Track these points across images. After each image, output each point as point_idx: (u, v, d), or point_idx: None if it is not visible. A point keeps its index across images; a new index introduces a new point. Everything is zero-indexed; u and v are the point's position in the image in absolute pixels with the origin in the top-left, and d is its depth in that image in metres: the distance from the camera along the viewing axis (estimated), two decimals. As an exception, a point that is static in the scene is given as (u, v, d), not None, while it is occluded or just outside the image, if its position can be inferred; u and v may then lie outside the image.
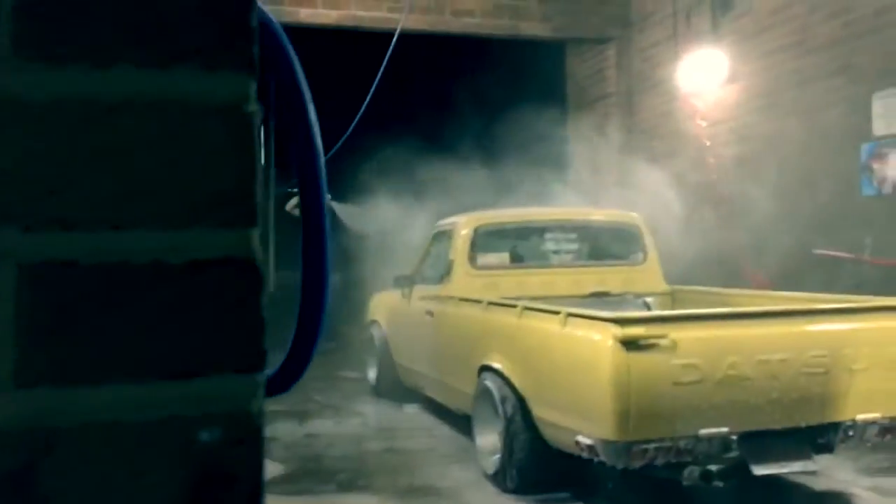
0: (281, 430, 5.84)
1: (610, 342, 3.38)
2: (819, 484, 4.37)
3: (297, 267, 1.08)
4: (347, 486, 4.46)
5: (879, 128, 6.31)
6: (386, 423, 6.21)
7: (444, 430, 5.78)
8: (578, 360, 3.63)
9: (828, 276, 6.37)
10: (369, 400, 6.95)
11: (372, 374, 7.21)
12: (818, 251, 6.66)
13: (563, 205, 7.51)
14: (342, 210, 9.71)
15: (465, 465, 4.79)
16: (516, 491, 4.19)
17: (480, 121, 11.38)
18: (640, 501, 4.23)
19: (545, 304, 4.48)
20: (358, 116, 8.72)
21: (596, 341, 3.47)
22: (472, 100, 12.52)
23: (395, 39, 8.11)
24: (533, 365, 4.11)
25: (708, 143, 8.30)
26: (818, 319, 3.78)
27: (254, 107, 0.63)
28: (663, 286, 5.93)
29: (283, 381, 1.65)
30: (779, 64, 7.44)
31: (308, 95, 1.41)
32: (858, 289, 5.17)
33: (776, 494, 4.25)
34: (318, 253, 1.44)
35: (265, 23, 1.35)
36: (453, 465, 4.87)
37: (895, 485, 4.29)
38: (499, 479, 4.31)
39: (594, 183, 9.34)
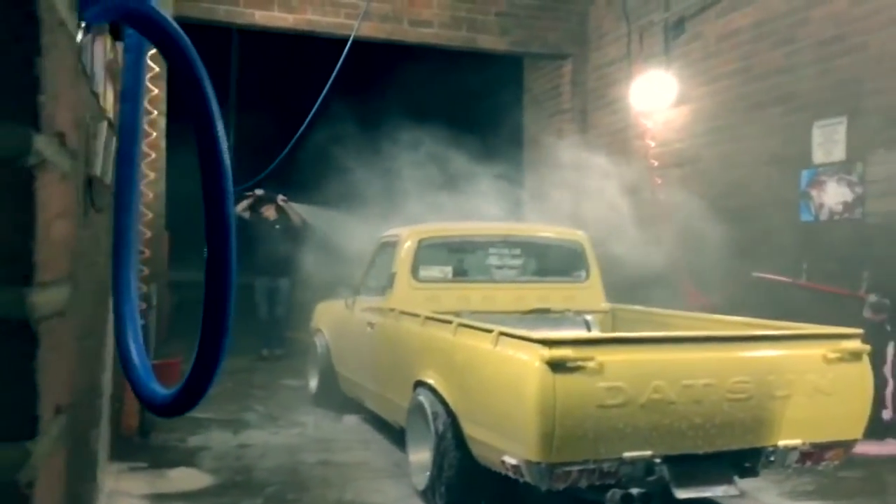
0: (214, 440, 5.74)
1: (537, 363, 3.38)
2: (744, 506, 4.44)
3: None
4: (276, 500, 4.39)
5: (818, 156, 6.47)
6: (323, 435, 6.14)
7: (381, 444, 5.74)
8: (507, 379, 3.63)
9: (766, 298, 6.50)
10: (309, 410, 6.87)
11: (313, 383, 7.14)
12: (757, 274, 6.80)
13: (513, 219, 7.56)
14: (297, 210, 9.59)
15: (398, 480, 4.76)
16: (445, 508, 4.17)
17: (436, 131, 11.37)
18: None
19: (483, 320, 4.48)
20: (307, 120, 8.64)
21: (523, 361, 3.47)
22: (430, 110, 12.51)
23: (348, 46, 8.07)
24: (465, 382, 4.10)
25: (656, 164, 8.43)
26: (743, 346, 3.84)
27: (36, 159, 0.60)
28: (604, 305, 5.98)
29: (183, 402, 1.60)
30: (725, 89, 7.59)
31: (210, 92, 1.37)
32: (793, 313, 5.28)
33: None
34: (221, 258, 1.40)
35: (158, 19, 1.31)
36: (386, 480, 4.83)
37: (816, 509, 4.37)
38: (428, 496, 4.29)
39: (546, 198, 9.43)
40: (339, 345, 6.65)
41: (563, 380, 3.36)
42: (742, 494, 4.59)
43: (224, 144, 1.34)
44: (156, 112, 6.42)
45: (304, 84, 10.38)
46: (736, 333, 4.05)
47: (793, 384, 3.73)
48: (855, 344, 3.90)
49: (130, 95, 1.72)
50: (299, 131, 8.93)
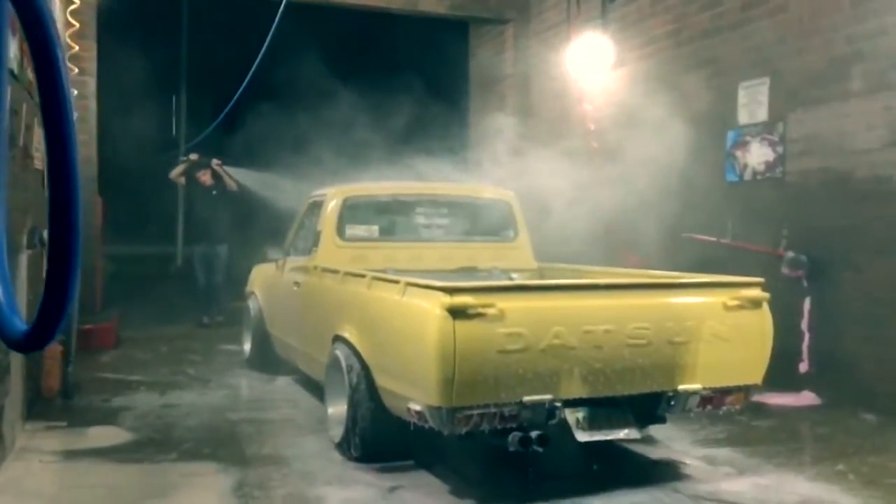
0: (139, 401, 5.70)
1: (437, 310, 3.41)
2: (655, 453, 4.56)
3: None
4: (190, 455, 4.38)
5: (743, 117, 6.58)
6: (252, 395, 6.14)
7: (309, 403, 5.75)
8: (411, 327, 3.66)
9: (696, 258, 6.61)
10: (242, 373, 6.85)
11: (247, 346, 7.11)
12: (685, 235, 6.91)
13: (453, 182, 7.57)
14: (231, 174, 9.43)
15: (320, 435, 4.78)
16: (360, 459, 4.21)
17: (383, 96, 11.30)
18: (483, 472, 4.31)
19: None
20: (244, 83, 8.51)
21: (425, 309, 3.50)
22: (376, 75, 12.41)
23: (281, 8, 7.94)
24: (376, 334, 4.13)
25: (592, 127, 8.49)
26: (643, 293, 3.92)
27: None
28: (532, 263, 6.04)
29: (38, 337, 1.57)
30: (658, 52, 7.65)
31: (56, 40, 1.34)
32: (719, 271, 5.39)
33: (612, 462, 4.41)
34: (67, 200, 1.38)
35: None
36: (308, 436, 4.85)
37: (725, 455, 4.51)
38: (343, 447, 4.32)
39: (489, 163, 9.43)
40: (270, 306, 6.63)
41: (463, 326, 3.40)
42: (654, 442, 4.73)
43: (66, 84, 1.30)
44: (76, 70, 6.24)
45: (254, 50, 10.21)
46: (636, 281, 4.12)
47: (692, 330, 3.82)
48: (755, 292, 4.01)
49: None
50: (235, 97, 8.79)
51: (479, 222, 6.15)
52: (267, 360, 6.71)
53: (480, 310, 3.44)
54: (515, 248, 6.05)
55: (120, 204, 15.51)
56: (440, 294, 3.46)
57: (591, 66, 8.49)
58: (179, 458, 4.32)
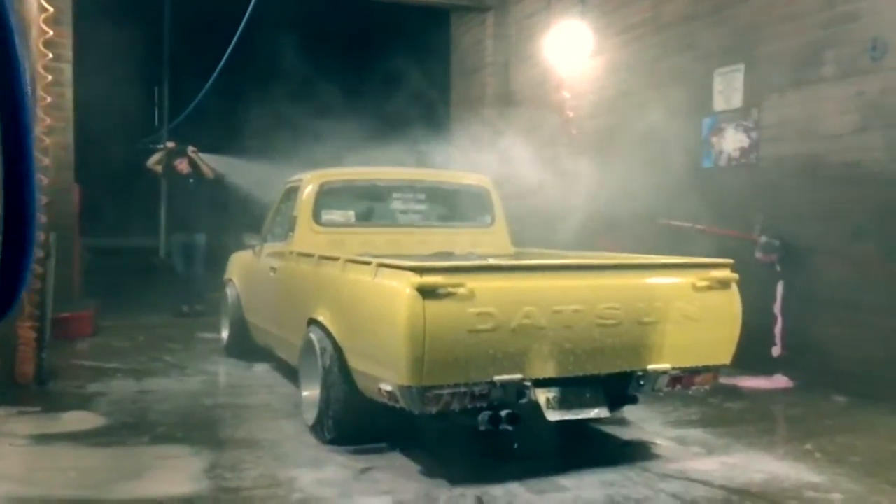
0: (114, 387, 5.68)
1: (408, 290, 3.42)
2: (627, 434, 4.60)
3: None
4: (164, 439, 4.37)
5: (719, 103, 6.63)
6: (229, 381, 6.14)
7: (286, 388, 5.75)
8: (382, 308, 3.67)
9: (672, 243, 6.67)
10: (220, 360, 6.84)
11: (225, 333, 7.10)
12: (661, 220, 6.96)
13: (431, 168, 7.57)
14: (207, 162, 9.37)
15: (295, 419, 4.78)
16: (333, 442, 4.22)
17: (364, 85, 11.28)
18: (455, 454, 4.33)
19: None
20: (219, 67, 8.45)
21: (395, 289, 3.51)
22: (358, 64, 12.36)
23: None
24: (349, 316, 4.13)
25: (571, 115, 8.51)
26: (612, 274, 3.95)
27: None
28: (509, 248, 6.06)
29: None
30: (635, 39, 7.68)
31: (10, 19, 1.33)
32: (695, 256, 5.44)
33: (585, 442, 4.46)
34: (21, 169, 1.38)
35: None
36: (282, 420, 4.86)
37: (696, 436, 4.55)
38: (317, 430, 4.33)
39: (469, 150, 9.44)
40: (247, 293, 6.62)
41: (433, 305, 3.41)
42: (627, 423, 4.78)
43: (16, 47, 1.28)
44: (50, 55, 6.18)
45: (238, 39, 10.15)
46: (606, 262, 4.15)
47: (662, 311, 3.85)
48: (724, 273, 4.05)
49: None
50: (210, 81, 8.74)
51: (457, 208, 6.17)
52: (245, 347, 6.70)
53: (450, 289, 3.45)
54: (492, 233, 6.07)
55: (101, 195, 15.38)
56: (410, 274, 3.47)
57: (571, 54, 8.51)
58: (152, 442, 4.32)
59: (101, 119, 10.36)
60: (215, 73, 8.58)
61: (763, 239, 6.00)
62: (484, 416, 3.58)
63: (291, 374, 5.85)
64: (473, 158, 8.69)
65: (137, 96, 13.78)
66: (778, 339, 5.96)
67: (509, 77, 10.22)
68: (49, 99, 6.21)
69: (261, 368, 6.47)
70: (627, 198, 7.32)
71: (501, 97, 10.28)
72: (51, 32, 6.28)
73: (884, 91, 5.23)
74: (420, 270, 3.46)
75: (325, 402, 4.23)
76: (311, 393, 4.51)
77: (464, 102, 11.11)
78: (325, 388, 4.22)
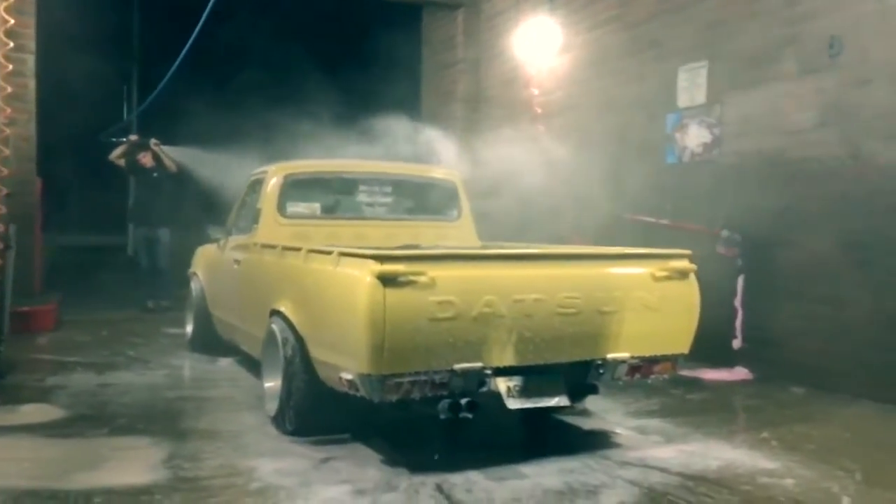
0: (74, 380, 5.61)
1: (368, 278, 3.42)
2: (588, 424, 4.64)
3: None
4: (123, 430, 4.33)
5: (683, 99, 6.71)
6: (192, 375, 6.08)
7: (249, 381, 5.71)
8: (343, 296, 3.66)
9: (638, 238, 6.73)
10: (184, 355, 6.77)
11: (189, 328, 7.03)
12: (626, 215, 7.03)
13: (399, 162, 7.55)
14: (169, 154, 9.25)
15: (258, 411, 4.75)
16: (295, 433, 4.20)
17: (335, 80, 11.22)
18: (418, 443, 4.33)
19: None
20: (182, 55, 8.36)
21: (356, 277, 3.51)
22: (330, 60, 12.31)
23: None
24: (311, 306, 4.12)
25: (540, 111, 8.56)
26: (573, 264, 3.98)
27: None
28: (475, 242, 6.07)
29: None
30: (603, 37, 7.75)
31: None
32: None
33: (546, 432, 4.49)
34: None
35: None
36: (244, 412, 4.82)
37: (656, 425, 4.61)
38: (278, 420, 4.31)
39: (439, 147, 9.44)
40: (212, 286, 6.57)
41: (394, 293, 3.42)
42: (589, 414, 4.82)
43: None
44: (11, 44, 6.08)
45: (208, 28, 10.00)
46: (566, 252, 4.19)
47: (621, 300, 3.89)
48: (682, 263, 4.10)
49: None
50: (172, 69, 8.64)
51: (424, 201, 6.16)
52: (209, 341, 6.64)
53: (411, 277, 3.46)
54: (459, 227, 6.08)
55: (67, 190, 15.11)
56: (371, 262, 3.47)
57: (539, 51, 8.56)
58: (112, 433, 4.27)
59: (68, 111, 10.20)
60: (178, 60, 8.48)
61: (725, 233, 6.08)
62: (444, 404, 3.59)
63: (256, 368, 5.80)
64: (443, 155, 8.71)
65: (105, 88, 13.57)
66: (738, 332, 6.05)
67: (480, 73, 10.26)
68: (10, 89, 6.11)
69: (225, 363, 6.42)
70: (594, 194, 7.37)
71: (472, 94, 10.31)
72: (12, 21, 6.19)
73: (841, 88, 5.33)
74: (381, 258, 3.46)
75: (286, 393, 4.21)
76: (273, 384, 4.49)
77: (435, 99, 11.13)
78: (287, 378, 4.20)
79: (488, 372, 3.63)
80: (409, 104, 11.43)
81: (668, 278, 4.03)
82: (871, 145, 5.15)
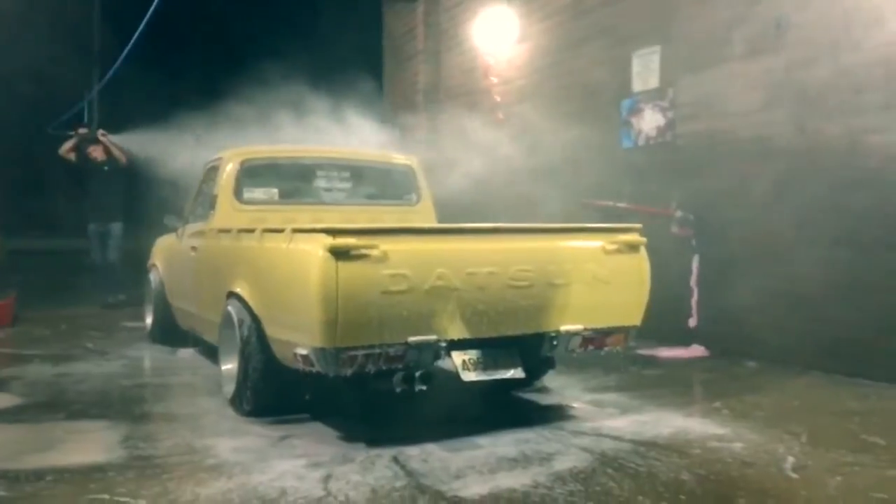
0: (30, 371, 5.53)
1: (320, 252, 3.43)
2: (545, 400, 4.70)
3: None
4: (79, 415, 4.29)
5: (637, 84, 6.81)
6: (151, 365, 6.03)
7: (210, 370, 5.66)
8: (296, 272, 3.67)
9: (598, 222, 6.81)
10: (143, 346, 6.71)
11: (149, 319, 6.97)
12: (584, 200, 7.11)
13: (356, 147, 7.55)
14: (117, 144, 9.11)
15: (216, 396, 4.73)
16: (252, 413, 4.19)
17: (295, 69, 11.15)
18: (376, 419, 4.36)
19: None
20: (133, 39, 8.26)
21: (308, 251, 3.52)
22: (290, 49, 12.24)
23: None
24: (265, 285, 4.12)
25: (499, 100, 8.62)
26: (525, 238, 4.04)
27: None
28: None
29: None
30: (559, 25, 7.83)
31: None
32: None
33: (503, 407, 4.54)
34: None
35: None
36: (204, 397, 4.80)
37: (612, 399, 4.68)
38: (236, 402, 4.31)
39: (401, 137, 9.47)
40: (170, 276, 6.51)
41: (346, 267, 3.43)
42: (547, 391, 4.89)
43: None
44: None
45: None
46: (518, 226, 4.24)
47: (573, 273, 3.95)
48: (632, 237, 4.18)
49: None
50: (125, 50, 8.54)
51: (382, 186, 6.18)
52: (169, 332, 6.58)
53: (363, 251, 3.48)
54: (418, 211, 6.11)
55: (19, 188, 14.76)
56: (322, 236, 3.48)
57: (497, 41, 8.63)
58: (67, 418, 4.23)
59: (17, 104, 10.00)
60: (130, 43, 8.39)
61: (679, 214, 6.19)
62: (398, 377, 3.61)
63: (216, 356, 5.79)
64: (406, 144, 8.73)
65: (63, 80, 13.29)
66: (694, 311, 6.17)
67: (440, 64, 10.29)
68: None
69: (185, 353, 6.37)
70: (553, 180, 7.46)
71: (433, 84, 10.34)
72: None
73: (788, 68, 5.46)
74: (332, 232, 3.48)
75: (243, 374, 4.21)
76: (230, 367, 4.48)
77: (397, 90, 11.15)
78: (244, 359, 4.19)
79: (443, 344, 3.67)
80: (371, 95, 11.43)
81: (618, 251, 4.10)
82: (815, 123, 5.28)
